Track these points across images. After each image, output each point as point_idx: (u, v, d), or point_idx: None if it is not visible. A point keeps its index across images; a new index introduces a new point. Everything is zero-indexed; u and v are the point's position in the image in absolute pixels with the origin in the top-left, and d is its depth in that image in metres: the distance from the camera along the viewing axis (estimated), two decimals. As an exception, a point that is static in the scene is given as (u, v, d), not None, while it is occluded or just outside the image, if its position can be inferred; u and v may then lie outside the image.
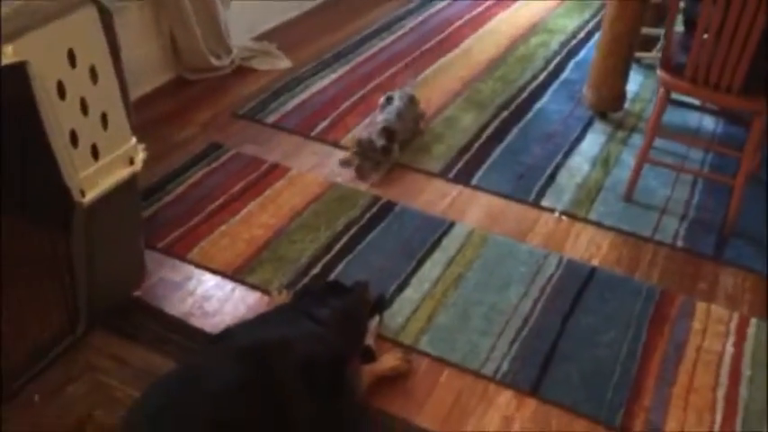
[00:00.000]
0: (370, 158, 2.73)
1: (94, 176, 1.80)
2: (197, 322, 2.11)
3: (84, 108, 1.73)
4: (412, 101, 2.97)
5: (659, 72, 2.56)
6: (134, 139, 1.92)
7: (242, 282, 2.26)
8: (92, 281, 1.93)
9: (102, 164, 1.81)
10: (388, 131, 2.76)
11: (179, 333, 2.06)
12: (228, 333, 1.80)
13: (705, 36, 2.37)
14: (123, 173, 1.88)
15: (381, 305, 2.14)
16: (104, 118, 1.80)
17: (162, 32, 3.17)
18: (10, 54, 1.50)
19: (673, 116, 3.12)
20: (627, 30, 3.01)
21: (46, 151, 1.68)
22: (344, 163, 2.80)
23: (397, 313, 2.17)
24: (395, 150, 2.78)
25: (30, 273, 1.84)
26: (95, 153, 1.79)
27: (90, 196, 1.78)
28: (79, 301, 1.94)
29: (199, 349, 1.94)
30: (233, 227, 2.47)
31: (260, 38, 3.63)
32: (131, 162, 1.91)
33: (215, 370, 1.62)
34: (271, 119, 3.07)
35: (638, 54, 3.15)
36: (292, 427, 1.61)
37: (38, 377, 1.87)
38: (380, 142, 2.71)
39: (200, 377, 1.61)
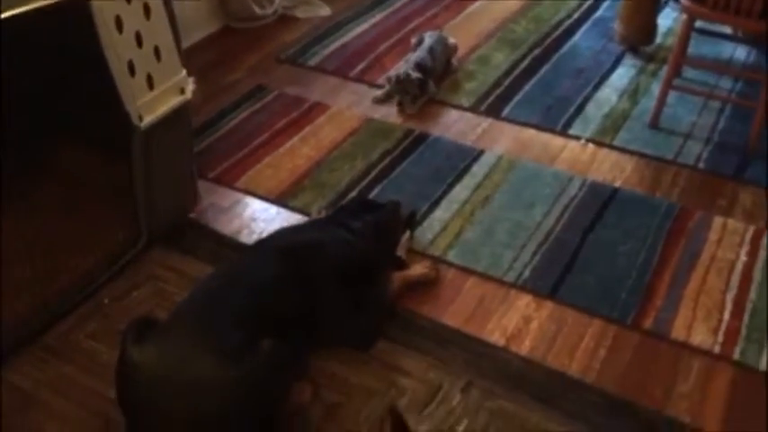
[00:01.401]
0: (408, 93, 2.90)
1: (150, 103, 2.01)
2: (245, 239, 2.33)
3: (140, 41, 1.94)
4: (442, 40, 3.11)
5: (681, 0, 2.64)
6: (184, 72, 2.13)
7: (285, 206, 2.47)
8: (150, 201, 2.17)
9: (156, 92, 2.03)
10: (421, 66, 2.92)
11: (229, 248, 2.28)
12: (266, 238, 2.01)
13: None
14: (176, 101, 2.10)
15: (413, 221, 2.32)
16: (157, 51, 2.01)
17: (209, -17, 3.38)
18: (73, -10, 1.71)
19: (706, 47, 3.18)
20: (655, -37, 3.08)
21: (108, 79, 1.89)
22: (380, 100, 2.96)
23: (428, 230, 2.34)
24: (430, 84, 2.94)
25: (96, 193, 2.08)
26: (150, 82, 2.00)
27: (147, 121, 2.00)
28: (140, 219, 2.18)
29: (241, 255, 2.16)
30: (277, 158, 2.68)
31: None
32: (182, 92, 2.12)
33: (254, 267, 1.83)
34: (312, 62, 3.25)
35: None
36: (323, 315, 1.82)
37: (107, 284, 2.12)
38: (415, 75, 2.87)
39: (240, 273, 1.83)
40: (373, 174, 2.59)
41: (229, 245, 2.30)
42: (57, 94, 1.91)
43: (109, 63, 1.86)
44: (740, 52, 3.23)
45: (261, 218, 2.43)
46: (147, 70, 1.98)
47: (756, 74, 2.72)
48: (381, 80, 3.08)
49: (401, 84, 2.90)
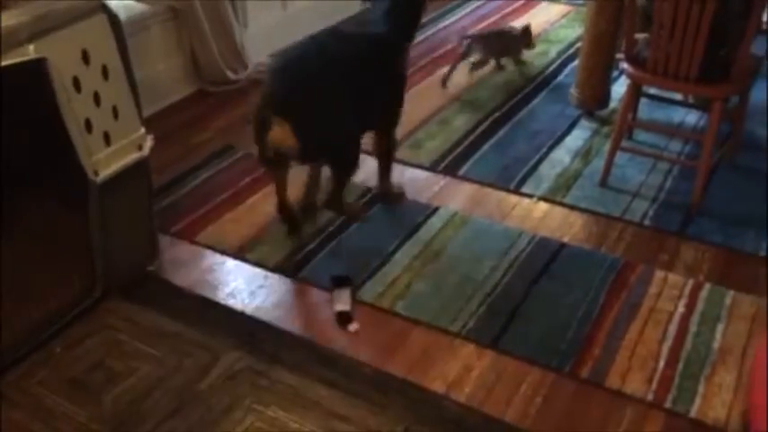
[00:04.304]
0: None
1: (107, 159, 2.12)
2: (202, 291, 2.40)
3: (98, 100, 2.06)
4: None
5: (625, 65, 2.79)
6: (143, 129, 2.24)
7: (243, 259, 2.55)
8: (107, 253, 2.24)
9: (113, 149, 2.14)
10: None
11: (185, 299, 2.35)
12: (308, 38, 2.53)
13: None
14: (133, 157, 2.20)
15: (352, 282, 2.39)
16: (115, 109, 2.12)
17: (184, 50, 3.54)
18: (31, 52, 1.83)
19: (659, 112, 3.33)
20: (607, 31, 3.24)
21: (64, 136, 2.00)
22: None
23: (378, 283, 2.42)
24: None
25: (53, 243, 2.17)
26: (107, 139, 2.11)
27: (102, 175, 2.10)
28: (96, 271, 2.25)
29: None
30: (239, 214, 2.77)
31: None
32: (140, 148, 2.23)
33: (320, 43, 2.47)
34: (279, 123, 3.38)
35: (619, 55, 3.35)
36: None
37: (60, 333, 2.18)
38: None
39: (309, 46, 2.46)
40: (331, 228, 2.68)
41: (183, 296, 2.37)
42: (15, 147, 2.02)
43: (65, 121, 1.97)
44: (691, 117, 3.37)
45: (219, 270, 2.51)
46: (104, 128, 2.09)
47: (698, 136, 2.85)
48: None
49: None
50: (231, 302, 2.36)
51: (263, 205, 2.82)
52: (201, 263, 2.54)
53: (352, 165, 2.52)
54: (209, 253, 2.58)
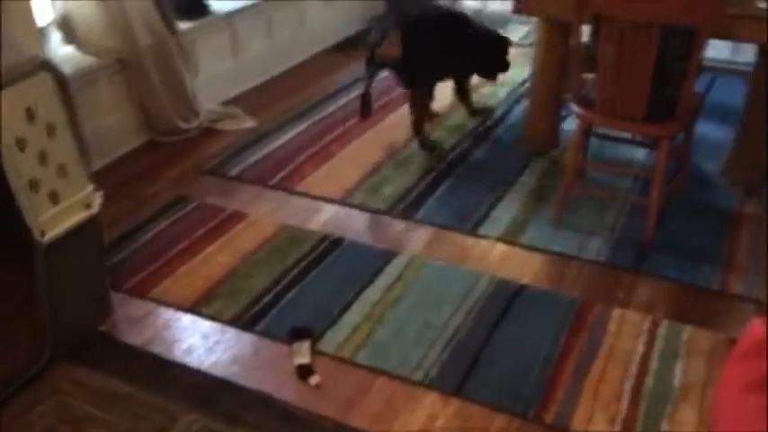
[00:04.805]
0: None
1: (54, 219, 2.06)
2: (156, 349, 2.33)
3: (43, 159, 2.01)
4: None
5: (574, 107, 2.84)
6: (91, 187, 2.19)
7: (199, 314, 2.49)
8: (56, 315, 2.17)
9: (60, 208, 2.08)
10: None
11: (139, 359, 2.28)
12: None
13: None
14: (81, 216, 2.15)
15: (312, 333, 2.35)
16: (62, 168, 2.07)
17: (133, 101, 3.49)
18: (-27, 113, 1.78)
19: (611, 150, 3.39)
20: (554, 72, 3.31)
21: (9, 197, 1.94)
22: None
23: (338, 333, 2.38)
24: None
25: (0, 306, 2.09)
26: (54, 198, 2.06)
27: (49, 236, 2.04)
28: (45, 334, 2.17)
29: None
30: (193, 267, 2.72)
31: (227, 103, 3.95)
32: (89, 207, 2.18)
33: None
34: (233, 172, 3.35)
35: (567, 95, 3.42)
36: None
37: (8, 400, 2.09)
38: None
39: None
40: (287, 279, 2.64)
41: (137, 356, 2.30)
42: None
43: (10, 181, 1.91)
44: (640, 153, 3.44)
45: (173, 327, 2.44)
46: (50, 187, 2.04)
47: (648, 173, 2.91)
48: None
49: None
50: (187, 360, 2.30)
51: (217, 256, 2.77)
52: (155, 320, 2.47)
53: (427, 90, 3.55)
54: (163, 309, 2.52)
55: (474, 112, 3.96)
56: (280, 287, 2.60)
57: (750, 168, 3.12)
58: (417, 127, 3.57)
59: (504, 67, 3.83)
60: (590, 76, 2.89)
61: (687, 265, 2.68)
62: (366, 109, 3.42)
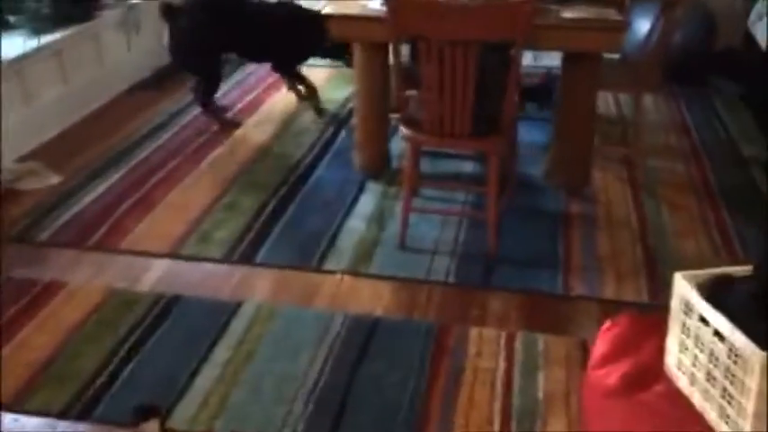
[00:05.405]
0: None
1: None
2: (-28, 464, 1.99)
3: None
4: None
5: (402, 129, 2.81)
6: None
7: (21, 411, 2.15)
8: None
9: None
10: None
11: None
12: None
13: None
14: None
15: (159, 411, 2.12)
16: None
17: None
18: None
19: (440, 164, 3.42)
20: (375, 91, 3.28)
21: None
22: None
23: (189, 404, 2.16)
24: None
25: None
26: None
27: None
28: None
29: None
30: (8, 355, 2.36)
31: (25, 158, 3.55)
32: None
33: None
34: (43, 237, 2.99)
35: (392, 115, 3.42)
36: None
37: None
38: None
39: None
40: (122, 353, 2.37)
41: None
42: None
43: None
44: (468, 165, 3.50)
45: (-8, 431, 2.10)
46: None
47: (482, 187, 2.95)
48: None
49: None
50: (15, 470, 1.98)
51: (36, 338, 2.43)
52: (-32, 426, 2.12)
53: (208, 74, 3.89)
54: (-24, 412, 2.16)
55: (320, 110, 4.04)
56: (114, 363, 2.32)
57: (569, 169, 3.27)
58: (205, 103, 3.91)
59: (317, 48, 3.89)
60: (413, 92, 2.89)
61: (530, 273, 2.74)
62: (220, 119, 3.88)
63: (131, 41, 4.45)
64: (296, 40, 3.86)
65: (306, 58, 4.11)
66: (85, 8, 4.09)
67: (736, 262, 2.78)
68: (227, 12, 3.78)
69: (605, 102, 4.06)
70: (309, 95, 4.16)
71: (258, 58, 4.21)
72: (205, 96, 3.92)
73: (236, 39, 3.83)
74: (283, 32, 3.84)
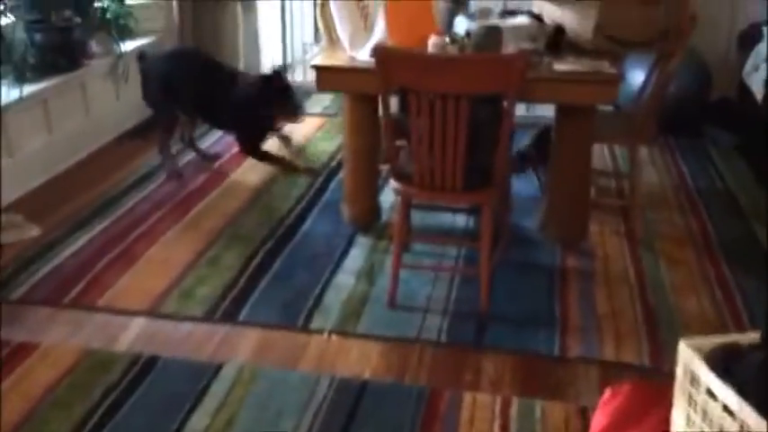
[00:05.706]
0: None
1: None
2: None
3: None
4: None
5: (392, 182, 2.73)
6: None
7: (-17, 485, 2.02)
8: None
9: None
10: None
11: None
12: None
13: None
14: None
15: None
16: None
17: None
18: None
19: (431, 218, 3.33)
20: (365, 144, 3.21)
21: None
22: None
23: (164, 477, 2.03)
24: None
25: None
26: None
27: None
28: None
29: None
30: (-29, 422, 2.23)
31: (4, 210, 3.44)
32: None
33: None
34: (16, 294, 2.86)
35: (382, 167, 3.35)
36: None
37: None
38: None
39: None
40: (96, 418, 2.23)
41: None
42: None
43: None
44: (460, 219, 3.41)
45: None
46: None
47: (475, 242, 2.85)
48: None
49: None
50: None
51: (6, 405, 2.29)
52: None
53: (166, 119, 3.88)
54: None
55: (296, 169, 3.88)
56: (87, 430, 2.18)
57: (565, 223, 3.18)
58: (160, 148, 3.91)
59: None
60: (404, 143, 2.82)
61: (525, 332, 2.62)
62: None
63: (120, 90, 4.40)
64: (260, 120, 3.74)
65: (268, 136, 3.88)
66: (73, 57, 4.04)
67: (738, 319, 2.69)
68: (190, 68, 3.77)
69: (601, 154, 4.00)
70: (292, 169, 3.91)
71: (219, 126, 4.06)
72: (161, 143, 3.90)
73: (191, 97, 3.75)
74: (247, 112, 3.68)
